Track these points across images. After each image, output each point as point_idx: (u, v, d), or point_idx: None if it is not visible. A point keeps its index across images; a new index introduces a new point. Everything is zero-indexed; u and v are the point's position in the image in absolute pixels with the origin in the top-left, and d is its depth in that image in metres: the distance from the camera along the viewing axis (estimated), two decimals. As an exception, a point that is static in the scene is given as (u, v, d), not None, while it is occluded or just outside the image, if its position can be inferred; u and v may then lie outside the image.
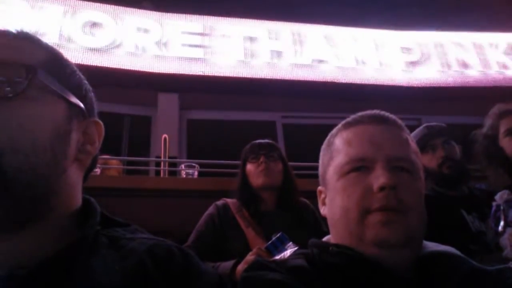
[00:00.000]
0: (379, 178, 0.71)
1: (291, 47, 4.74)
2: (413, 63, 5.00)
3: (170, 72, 4.31)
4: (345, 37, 4.96)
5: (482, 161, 1.86)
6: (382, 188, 0.70)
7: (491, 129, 1.79)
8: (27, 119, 0.54)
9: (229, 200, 1.88)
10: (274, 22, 4.85)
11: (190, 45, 4.47)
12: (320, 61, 4.74)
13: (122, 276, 0.55)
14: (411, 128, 2.11)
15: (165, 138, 3.45)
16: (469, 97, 4.79)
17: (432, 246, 0.78)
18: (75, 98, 0.62)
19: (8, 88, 0.53)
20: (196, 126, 4.63)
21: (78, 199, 0.63)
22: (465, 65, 5.05)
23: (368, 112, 0.83)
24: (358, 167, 0.75)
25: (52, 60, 0.62)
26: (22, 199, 0.53)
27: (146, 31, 4.40)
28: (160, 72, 4.28)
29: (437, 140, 1.88)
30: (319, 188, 0.87)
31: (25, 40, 0.60)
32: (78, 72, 0.66)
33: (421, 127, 1.97)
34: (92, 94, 0.68)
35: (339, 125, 0.85)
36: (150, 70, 4.23)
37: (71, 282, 0.53)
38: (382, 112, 0.82)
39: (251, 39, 4.67)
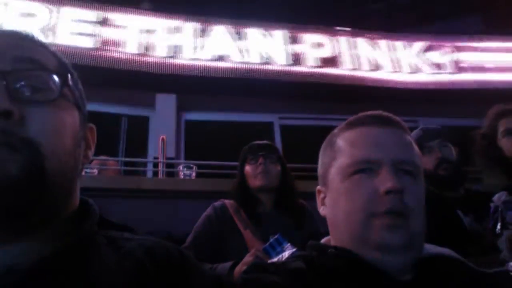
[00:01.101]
0: (386, 181, 0.70)
1: (192, 41, 4.59)
2: (324, 60, 4.90)
3: (168, 73, 4.31)
4: (253, 32, 4.85)
5: (480, 161, 1.87)
6: (388, 192, 0.70)
7: (490, 129, 1.80)
8: (60, 124, 0.57)
9: (227, 201, 1.88)
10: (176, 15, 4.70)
11: (81, 34, 4.20)
12: (222, 57, 4.59)
13: (120, 277, 0.55)
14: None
15: (162, 139, 3.44)
16: (467, 99, 4.81)
17: (429, 248, 0.78)
18: (83, 106, 0.64)
19: (49, 93, 0.56)
20: (193, 127, 4.63)
21: (77, 200, 0.63)
22: (377, 66, 5.03)
23: (372, 112, 0.81)
24: (363, 169, 0.74)
25: (68, 69, 0.64)
26: (55, 200, 0.55)
27: (31, 15, 4.09)
28: (158, 72, 4.28)
29: (433, 142, 1.89)
30: (318, 187, 0.86)
31: (51, 49, 0.63)
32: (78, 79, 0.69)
33: (417, 130, 1.98)
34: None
35: (342, 125, 0.84)
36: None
37: (69, 282, 0.52)
38: (386, 113, 0.81)
39: (148, 31, 4.50)
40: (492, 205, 1.46)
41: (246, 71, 4.60)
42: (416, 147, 0.80)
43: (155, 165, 3.57)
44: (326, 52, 4.97)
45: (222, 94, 4.52)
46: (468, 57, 5.30)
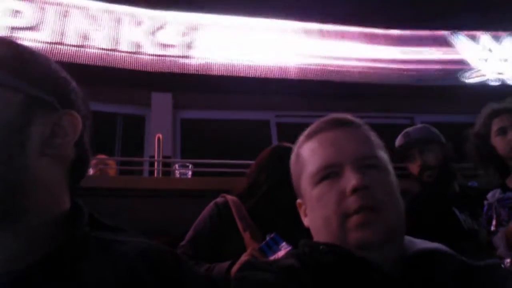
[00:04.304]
0: (350, 180, 0.72)
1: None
2: (18, 28, 4.17)
3: (163, 71, 4.30)
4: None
5: (473, 160, 1.88)
6: (355, 190, 0.71)
7: (483, 128, 1.81)
8: None
9: (229, 197, 1.83)
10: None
11: None
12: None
13: (113, 280, 0.55)
14: (404, 127, 2.15)
15: (158, 138, 3.43)
16: (462, 95, 4.83)
17: (419, 242, 0.78)
18: (37, 90, 0.59)
19: None
20: (190, 126, 4.62)
21: (62, 200, 0.61)
22: (84, 38, 4.37)
23: (326, 118, 0.85)
24: (328, 174, 0.76)
25: (8, 54, 0.60)
26: None
27: None
28: (154, 71, 4.26)
29: (413, 150, 1.94)
30: (298, 200, 0.88)
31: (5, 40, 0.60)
32: (47, 64, 0.64)
33: (400, 135, 2.03)
34: (71, 87, 0.65)
35: (302, 136, 0.87)
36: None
37: (59, 286, 0.52)
38: (339, 115, 0.84)
39: None
40: (486, 202, 1.47)
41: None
42: (376, 139, 0.82)
43: (151, 164, 3.55)
44: (23, 22, 4.22)
45: (218, 92, 4.51)
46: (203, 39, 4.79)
